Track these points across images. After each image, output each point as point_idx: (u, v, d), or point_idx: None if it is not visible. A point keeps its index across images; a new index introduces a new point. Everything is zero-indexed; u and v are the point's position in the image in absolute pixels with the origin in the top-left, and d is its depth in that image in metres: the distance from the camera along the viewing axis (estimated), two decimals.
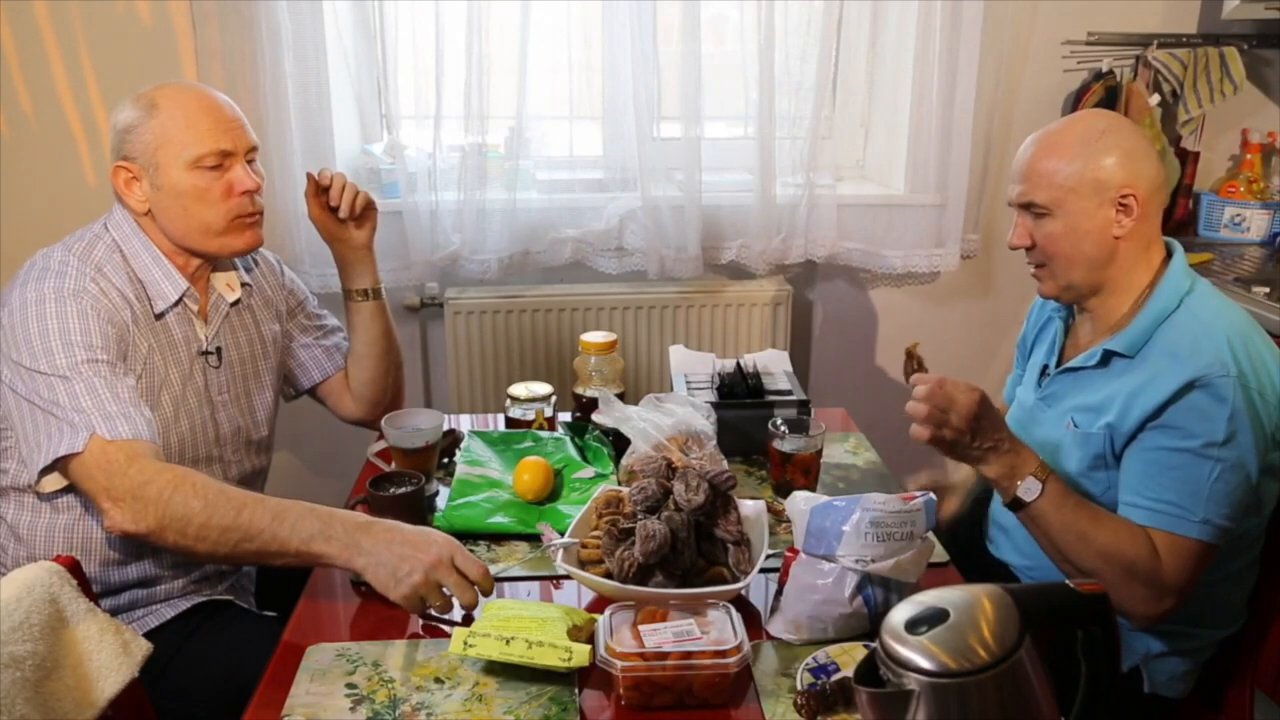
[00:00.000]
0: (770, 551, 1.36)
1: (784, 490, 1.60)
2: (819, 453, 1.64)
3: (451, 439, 1.75)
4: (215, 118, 1.51)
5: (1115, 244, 1.44)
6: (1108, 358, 1.48)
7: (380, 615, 1.34)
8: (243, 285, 1.66)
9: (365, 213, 1.73)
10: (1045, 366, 1.61)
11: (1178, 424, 1.35)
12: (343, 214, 1.71)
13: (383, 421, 1.64)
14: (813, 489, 1.62)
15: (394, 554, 1.29)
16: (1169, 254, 1.49)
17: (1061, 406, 1.54)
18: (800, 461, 1.62)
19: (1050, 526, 1.39)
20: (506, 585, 1.42)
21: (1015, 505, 1.41)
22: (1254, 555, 1.51)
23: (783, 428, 1.62)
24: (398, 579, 1.28)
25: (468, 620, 1.30)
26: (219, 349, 1.61)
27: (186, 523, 1.33)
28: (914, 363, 1.47)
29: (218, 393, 1.61)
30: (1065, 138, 1.44)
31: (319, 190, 1.70)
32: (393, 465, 1.62)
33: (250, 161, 1.56)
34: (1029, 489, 1.38)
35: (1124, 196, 1.41)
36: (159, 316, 1.53)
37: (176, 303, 1.55)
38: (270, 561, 1.36)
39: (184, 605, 1.56)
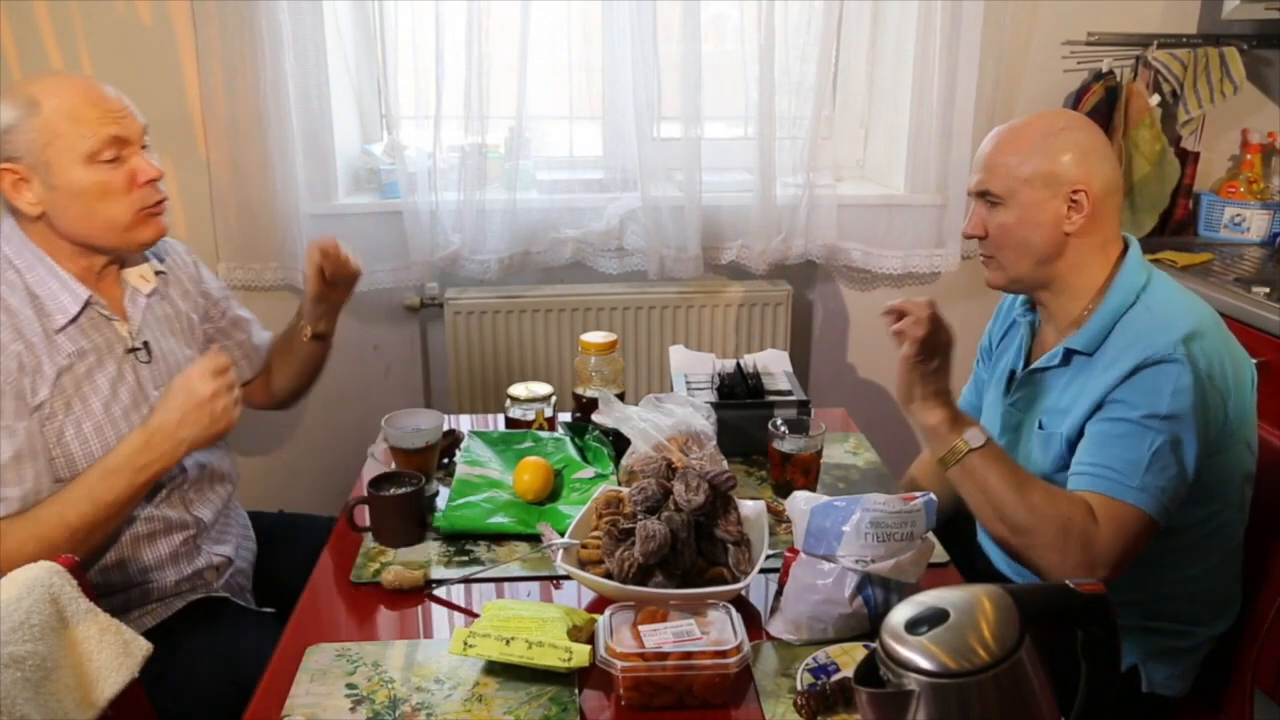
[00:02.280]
0: (770, 552, 1.36)
1: (784, 490, 1.60)
2: (819, 453, 1.64)
3: (451, 439, 1.75)
4: (102, 107, 1.44)
5: (1065, 240, 1.47)
6: (1069, 356, 1.50)
7: (380, 615, 1.34)
8: (157, 274, 1.63)
9: (353, 281, 1.76)
10: (1013, 371, 1.63)
11: (1124, 398, 1.40)
12: (329, 275, 1.72)
13: (383, 421, 1.64)
14: (813, 489, 1.62)
15: (181, 417, 1.42)
16: (1126, 251, 1.51)
17: (1031, 410, 1.56)
18: (800, 461, 1.62)
19: (988, 476, 1.40)
20: (506, 585, 1.42)
21: (950, 458, 1.43)
22: (1233, 546, 1.51)
23: (783, 428, 1.62)
24: (201, 420, 1.42)
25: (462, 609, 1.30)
26: (145, 343, 1.57)
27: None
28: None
29: (154, 388, 1.56)
30: (1026, 132, 1.48)
31: (324, 255, 1.70)
32: (393, 465, 1.62)
33: (144, 147, 1.50)
34: (974, 436, 1.42)
35: (1075, 192, 1.45)
36: (60, 330, 1.46)
37: (78, 316, 1.48)
38: (125, 516, 1.47)
39: (179, 604, 1.56)
